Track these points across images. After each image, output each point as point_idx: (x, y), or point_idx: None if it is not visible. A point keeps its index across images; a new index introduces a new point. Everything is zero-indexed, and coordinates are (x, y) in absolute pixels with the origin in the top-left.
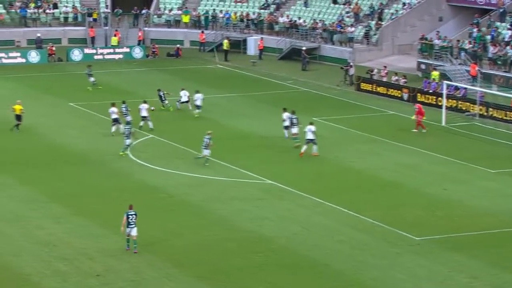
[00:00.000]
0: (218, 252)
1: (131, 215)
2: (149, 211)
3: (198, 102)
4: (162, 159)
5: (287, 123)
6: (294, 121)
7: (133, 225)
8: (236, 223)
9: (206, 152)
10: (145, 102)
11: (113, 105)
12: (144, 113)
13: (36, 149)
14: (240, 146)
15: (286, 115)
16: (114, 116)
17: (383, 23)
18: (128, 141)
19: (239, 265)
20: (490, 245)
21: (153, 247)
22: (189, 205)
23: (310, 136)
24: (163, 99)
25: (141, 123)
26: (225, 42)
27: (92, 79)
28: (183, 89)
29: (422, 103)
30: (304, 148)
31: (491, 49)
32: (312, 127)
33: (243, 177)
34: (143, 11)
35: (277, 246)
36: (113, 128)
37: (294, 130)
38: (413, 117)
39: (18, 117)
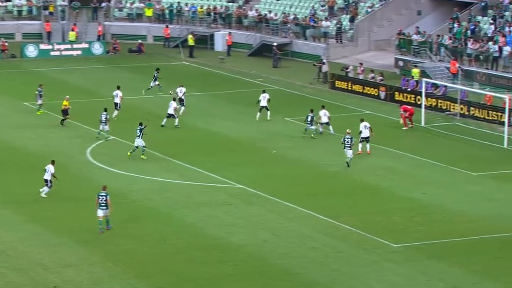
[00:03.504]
0: (184, 261)
1: (102, 196)
2: (110, 218)
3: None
4: (124, 162)
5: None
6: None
7: (104, 206)
8: (204, 230)
9: (139, 142)
10: (174, 100)
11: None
12: (171, 111)
13: None
14: (207, 148)
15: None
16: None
17: (358, 17)
18: (139, 142)
19: (206, 274)
20: (471, 252)
21: (115, 256)
22: (153, 211)
23: (364, 134)
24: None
25: (177, 122)
26: (190, 37)
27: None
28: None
29: (401, 102)
30: (360, 146)
31: (471, 45)
32: (366, 123)
33: (211, 181)
34: (103, 4)
35: (246, 254)
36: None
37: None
38: (401, 121)
39: None
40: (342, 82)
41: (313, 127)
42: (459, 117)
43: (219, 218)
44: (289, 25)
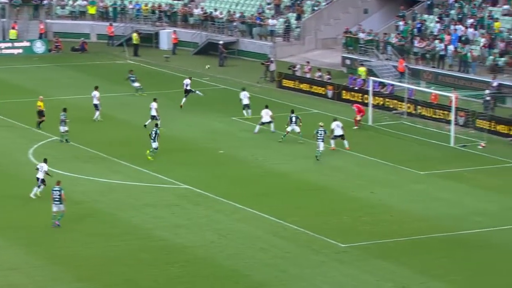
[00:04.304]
0: (130, 263)
1: (55, 191)
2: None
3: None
4: (68, 163)
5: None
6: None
7: (58, 202)
8: (150, 232)
9: (155, 145)
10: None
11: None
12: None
13: None
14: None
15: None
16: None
17: (305, 15)
18: (154, 144)
19: (153, 277)
20: (419, 251)
21: (59, 259)
22: (99, 212)
23: (338, 132)
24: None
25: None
26: (134, 35)
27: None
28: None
29: (348, 101)
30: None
31: (418, 43)
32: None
33: (156, 181)
34: (45, 2)
35: (193, 256)
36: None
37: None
38: (358, 117)
39: None
40: (289, 81)
41: (296, 128)
42: (406, 116)
43: (166, 219)
44: (235, 24)
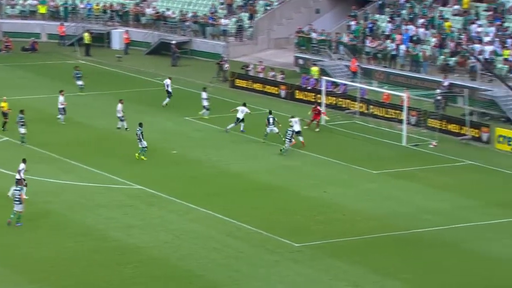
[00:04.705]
0: (83, 264)
1: (16, 190)
2: (5, 221)
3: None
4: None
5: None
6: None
7: (17, 202)
8: (103, 233)
9: (144, 143)
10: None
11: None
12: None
13: None
14: (105, 149)
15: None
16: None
17: (257, 15)
18: (142, 144)
19: (106, 278)
20: (372, 250)
21: (11, 261)
22: (51, 213)
23: (296, 128)
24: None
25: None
26: (86, 35)
27: None
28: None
29: (301, 100)
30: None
31: (369, 43)
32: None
33: (109, 182)
34: None
35: (147, 256)
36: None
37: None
38: (325, 117)
39: None
40: (243, 81)
41: (274, 129)
42: (359, 115)
43: (119, 220)
44: (188, 23)
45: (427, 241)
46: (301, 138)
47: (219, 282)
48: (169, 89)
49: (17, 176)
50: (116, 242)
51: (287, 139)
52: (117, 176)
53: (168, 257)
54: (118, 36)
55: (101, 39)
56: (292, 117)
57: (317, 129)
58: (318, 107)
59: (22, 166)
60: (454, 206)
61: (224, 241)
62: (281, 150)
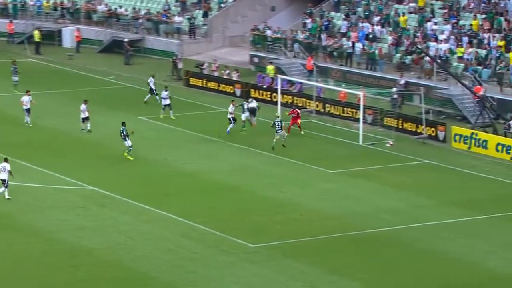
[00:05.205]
0: (33, 267)
1: None
2: None
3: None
4: None
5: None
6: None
7: None
8: (54, 235)
9: (129, 143)
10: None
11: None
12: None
13: None
14: (56, 149)
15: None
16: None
17: (212, 12)
18: (127, 143)
19: (58, 281)
20: (329, 250)
21: None
22: (0, 216)
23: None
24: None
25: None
26: (36, 33)
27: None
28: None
29: (256, 99)
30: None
31: (325, 41)
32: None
33: (60, 183)
34: None
35: (100, 258)
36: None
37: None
38: (298, 121)
39: None
40: (197, 80)
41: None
42: (315, 114)
43: (70, 222)
44: (141, 21)
45: (384, 240)
46: (254, 120)
47: (174, 283)
48: (152, 86)
49: (2, 176)
50: (68, 244)
51: (278, 131)
52: (69, 177)
53: (122, 258)
54: (69, 34)
55: (52, 37)
56: (247, 101)
57: (302, 132)
58: (297, 110)
59: (5, 165)
60: (411, 205)
61: (179, 242)
62: (273, 147)
